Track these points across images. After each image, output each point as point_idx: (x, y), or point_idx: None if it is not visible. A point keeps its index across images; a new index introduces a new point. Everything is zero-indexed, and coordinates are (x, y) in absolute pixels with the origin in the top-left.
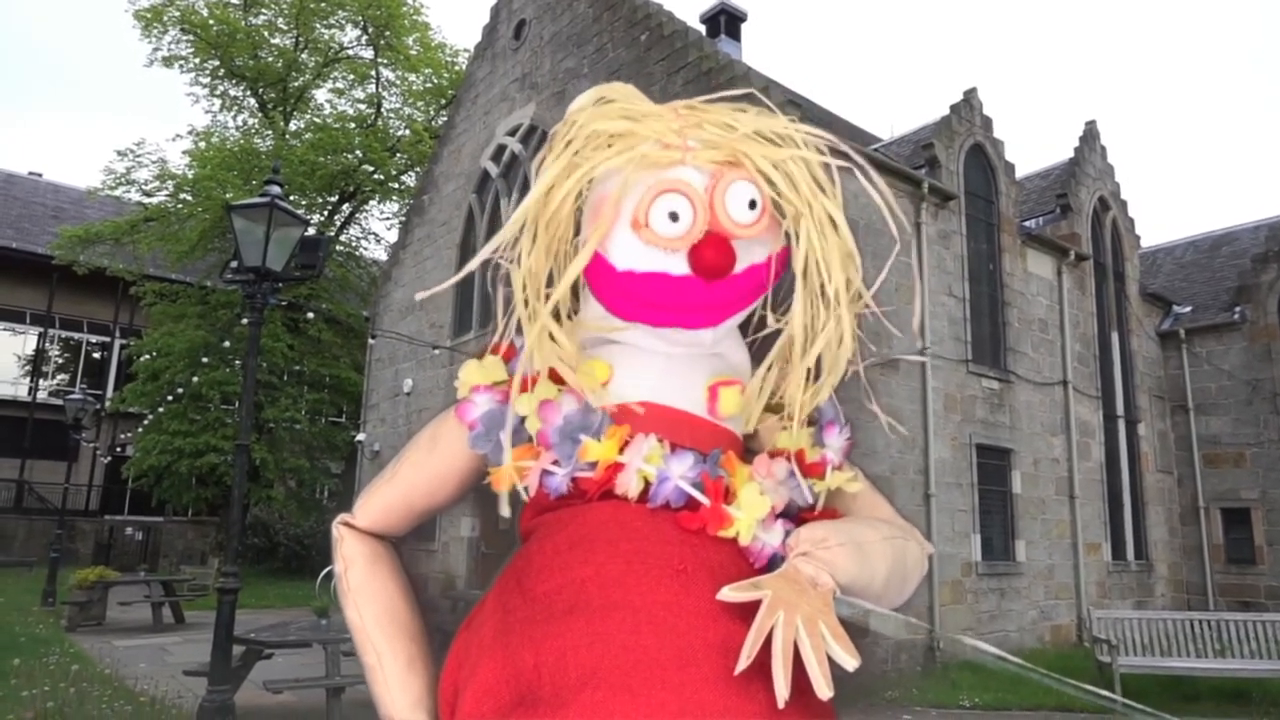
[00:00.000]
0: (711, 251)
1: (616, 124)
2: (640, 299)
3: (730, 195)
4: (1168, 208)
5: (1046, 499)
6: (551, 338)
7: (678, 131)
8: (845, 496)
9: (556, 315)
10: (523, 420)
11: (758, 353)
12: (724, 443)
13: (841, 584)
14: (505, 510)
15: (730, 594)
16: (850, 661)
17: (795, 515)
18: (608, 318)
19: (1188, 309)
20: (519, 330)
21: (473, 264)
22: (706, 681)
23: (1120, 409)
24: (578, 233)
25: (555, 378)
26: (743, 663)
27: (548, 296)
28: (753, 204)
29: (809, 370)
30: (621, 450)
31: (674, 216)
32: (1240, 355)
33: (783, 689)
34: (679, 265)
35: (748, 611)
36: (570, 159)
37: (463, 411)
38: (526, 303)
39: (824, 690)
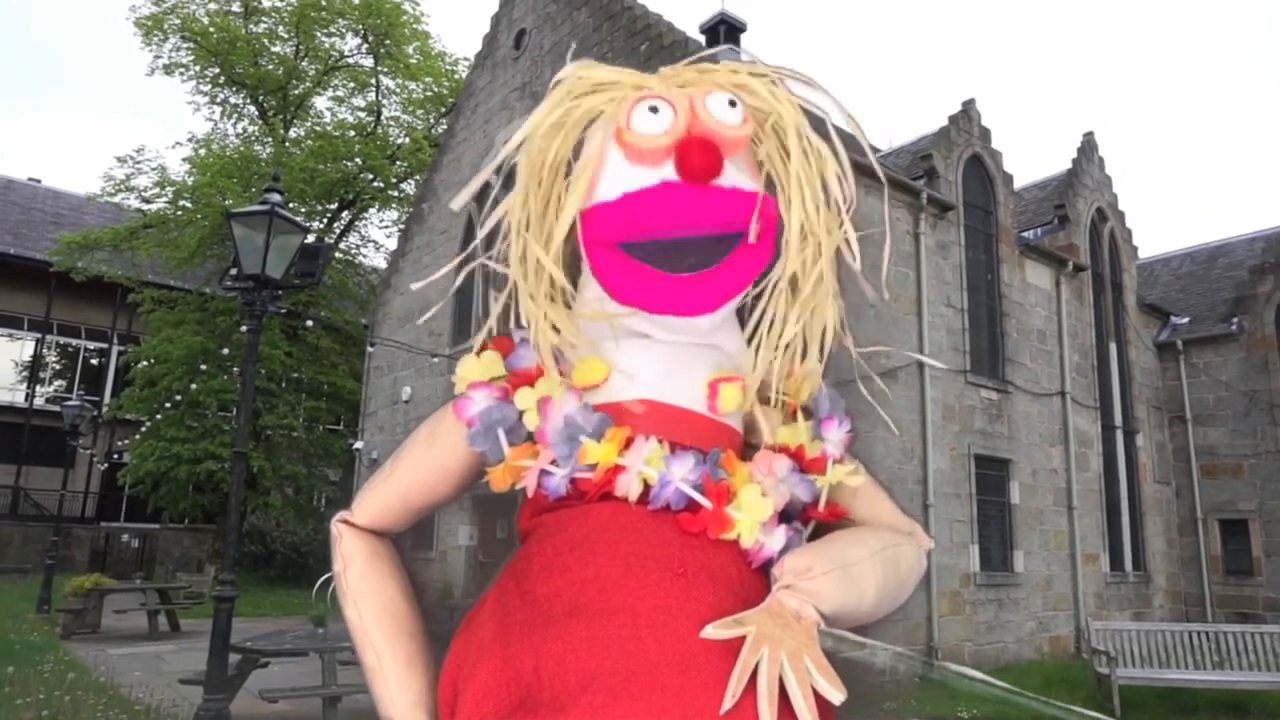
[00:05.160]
0: (696, 149)
1: (601, 73)
2: (636, 219)
3: (710, 100)
4: (1165, 219)
5: (1045, 509)
6: (552, 295)
7: (658, 80)
8: (846, 491)
9: (552, 297)
10: (521, 415)
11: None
12: (724, 440)
13: (827, 613)
14: (529, 491)
15: (714, 631)
16: (836, 695)
17: (798, 512)
18: (604, 300)
19: (1185, 320)
20: (518, 319)
21: (474, 186)
22: (707, 687)
23: (1118, 420)
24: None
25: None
26: (728, 701)
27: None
28: (734, 105)
29: (799, 298)
30: (622, 452)
31: (654, 110)
32: (1238, 366)
33: None
34: (668, 173)
35: None
36: (555, 103)
37: (460, 408)
38: (525, 279)
39: None
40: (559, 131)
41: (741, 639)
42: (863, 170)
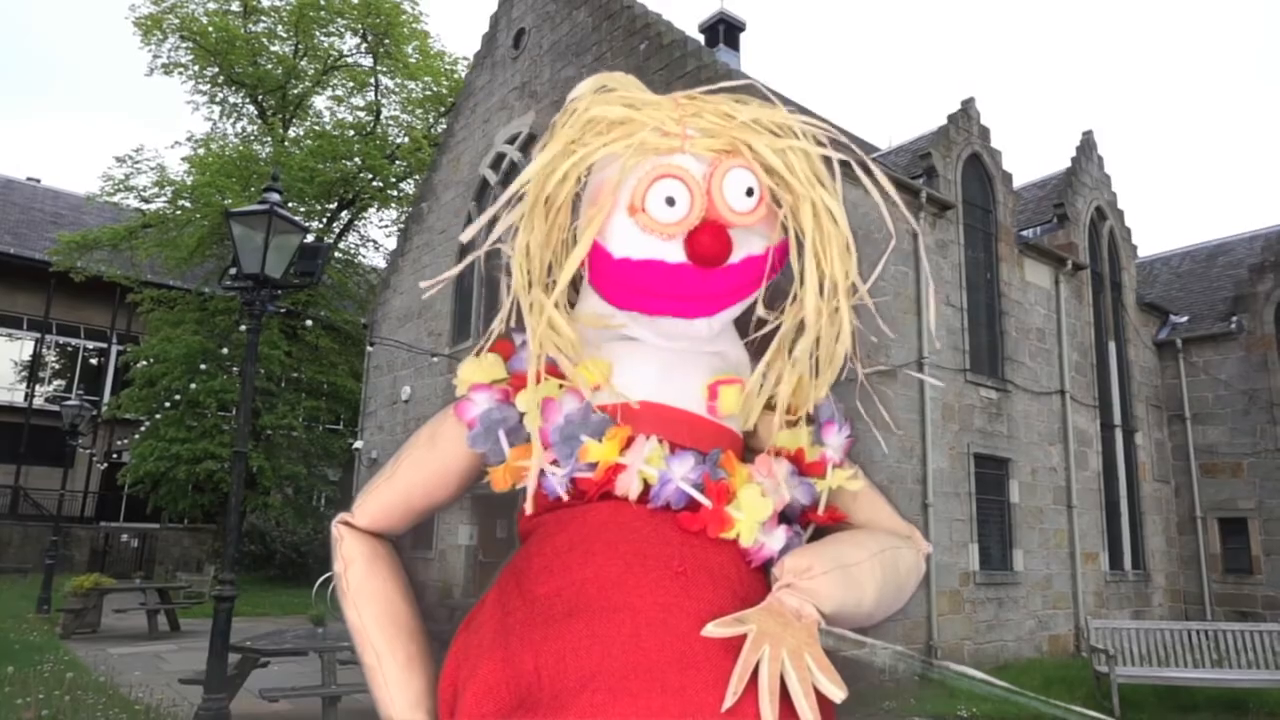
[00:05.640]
0: (708, 239)
1: (616, 111)
2: (636, 287)
3: (728, 183)
4: (1164, 218)
5: (1044, 508)
6: (553, 326)
7: (677, 120)
8: (845, 495)
9: (556, 305)
10: (522, 417)
11: (758, 350)
12: (724, 442)
13: (826, 613)
14: (530, 508)
15: (715, 630)
16: (837, 693)
17: (798, 515)
18: (604, 307)
19: (1184, 319)
20: (519, 319)
21: (472, 229)
22: (706, 685)
23: (1118, 418)
24: (575, 220)
25: (557, 374)
26: (730, 699)
27: (548, 286)
28: (750, 192)
29: (808, 364)
30: (623, 451)
31: (670, 201)
32: (1237, 365)
33: None
34: (675, 253)
35: None
36: (568, 143)
37: (461, 410)
38: (529, 286)
39: None
40: (569, 173)
41: (741, 637)
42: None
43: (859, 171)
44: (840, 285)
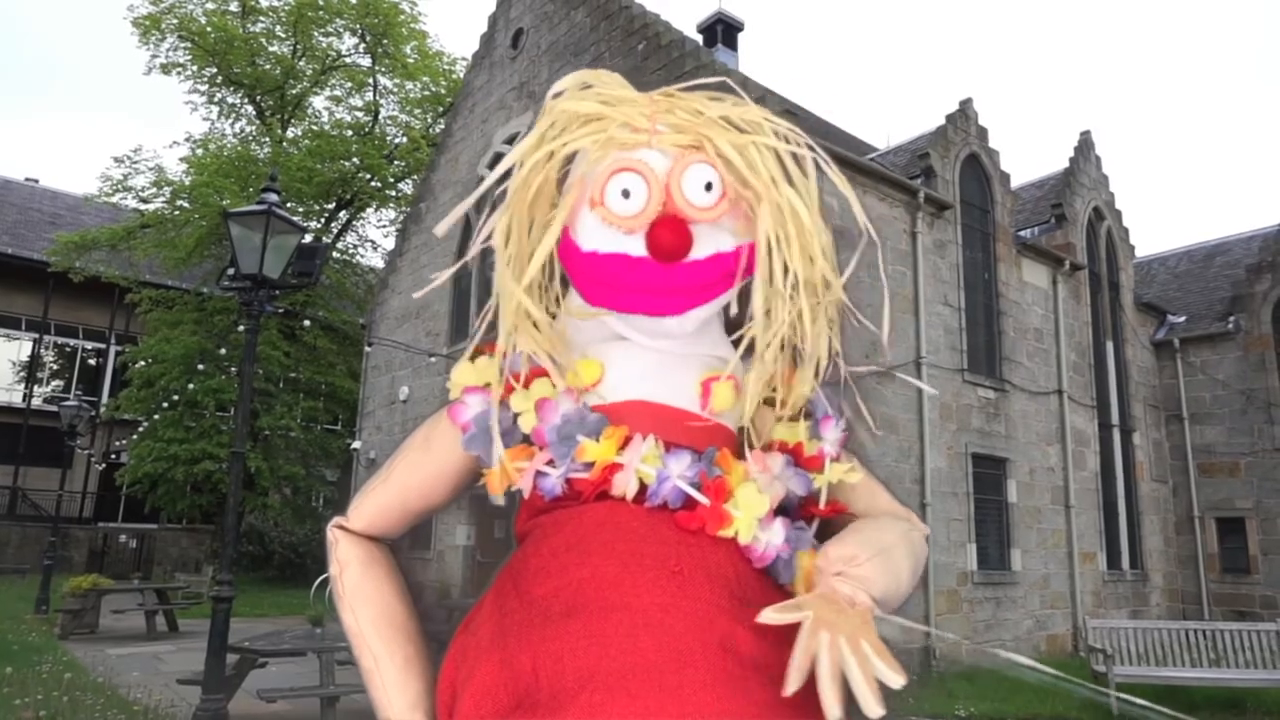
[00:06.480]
0: (666, 232)
1: (589, 106)
2: (602, 280)
3: (687, 177)
4: (1162, 218)
5: (1042, 508)
6: (530, 320)
7: (648, 116)
8: (844, 487)
9: (545, 305)
10: (516, 419)
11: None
12: (718, 439)
13: (876, 598)
14: (524, 512)
15: (772, 615)
16: (896, 679)
17: (795, 507)
18: (584, 305)
19: (1182, 319)
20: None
21: (456, 213)
22: (704, 684)
23: (1115, 418)
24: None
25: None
26: (793, 685)
27: (533, 283)
28: (709, 187)
29: (774, 356)
30: (619, 451)
31: (626, 194)
32: (1235, 365)
33: (835, 710)
34: (638, 247)
35: (745, 613)
36: (541, 136)
37: (455, 413)
38: (508, 277)
39: (875, 709)
40: (542, 165)
41: (738, 636)
42: (862, 169)
43: (825, 167)
44: (815, 280)
